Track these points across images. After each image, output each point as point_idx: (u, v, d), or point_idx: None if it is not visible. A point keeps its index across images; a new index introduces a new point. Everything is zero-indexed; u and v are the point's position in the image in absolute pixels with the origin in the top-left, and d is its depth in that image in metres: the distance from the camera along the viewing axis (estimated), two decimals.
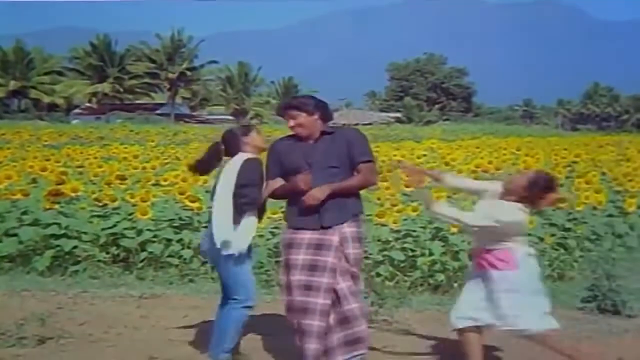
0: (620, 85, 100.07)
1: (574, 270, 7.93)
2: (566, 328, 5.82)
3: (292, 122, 4.71)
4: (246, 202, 4.64)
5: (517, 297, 4.51)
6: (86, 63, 68.98)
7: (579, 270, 7.89)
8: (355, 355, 4.58)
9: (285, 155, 4.74)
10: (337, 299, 4.56)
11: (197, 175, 5.27)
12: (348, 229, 4.65)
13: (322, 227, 4.62)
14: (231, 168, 4.71)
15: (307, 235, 4.63)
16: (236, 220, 4.64)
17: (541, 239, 7.91)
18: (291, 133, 4.79)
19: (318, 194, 4.55)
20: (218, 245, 4.62)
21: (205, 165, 4.94)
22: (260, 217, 4.85)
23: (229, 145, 4.85)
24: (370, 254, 7.14)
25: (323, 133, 4.72)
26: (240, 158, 4.74)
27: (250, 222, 4.71)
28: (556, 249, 8.03)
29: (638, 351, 5.25)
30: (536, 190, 4.52)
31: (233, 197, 4.63)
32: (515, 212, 4.53)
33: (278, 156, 4.76)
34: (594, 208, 8.90)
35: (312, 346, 4.51)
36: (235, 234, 4.63)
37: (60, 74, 70.44)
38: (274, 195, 4.81)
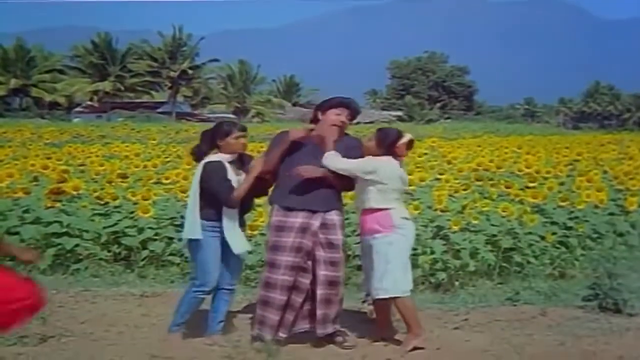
0: (621, 84, 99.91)
1: (575, 268, 7.93)
2: (567, 326, 5.84)
3: (343, 118, 5.22)
4: (211, 201, 5.08)
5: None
6: (87, 61, 68.90)
7: (580, 269, 7.90)
8: (321, 332, 5.15)
9: (296, 145, 5.18)
10: (317, 283, 5.10)
11: (194, 161, 5.47)
12: (336, 216, 5.18)
13: (310, 210, 5.09)
14: (196, 172, 5.19)
15: (298, 219, 5.09)
16: (209, 216, 5.11)
17: (542, 237, 7.91)
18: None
19: (312, 170, 5.03)
20: (184, 235, 5.25)
21: (198, 151, 5.29)
22: (247, 210, 5.33)
23: (204, 144, 5.26)
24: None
25: (349, 139, 5.34)
26: (202, 162, 5.17)
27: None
28: (557, 247, 8.03)
29: (639, 349, 5.24)
30: (388, 142, 5.21)
31: (200, 197, 5.11)
32: (381, 161, 5.16)
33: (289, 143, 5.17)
34: (596, 206, 8.89)
35: (277, 318, 5.10)
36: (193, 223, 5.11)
37: (61, 72, 70.35)
38: (268, 160, 5.21)
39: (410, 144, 5.34)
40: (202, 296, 5.27)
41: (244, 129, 5.26)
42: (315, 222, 5.09)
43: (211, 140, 5.21)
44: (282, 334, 5.13)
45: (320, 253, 5.10)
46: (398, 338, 5.36)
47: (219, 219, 5.11)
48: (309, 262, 5.11)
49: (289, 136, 5.18)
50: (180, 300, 5.36)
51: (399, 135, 5.30)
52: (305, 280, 5.11)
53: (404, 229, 5.22)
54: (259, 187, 5.23)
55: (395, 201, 5.25)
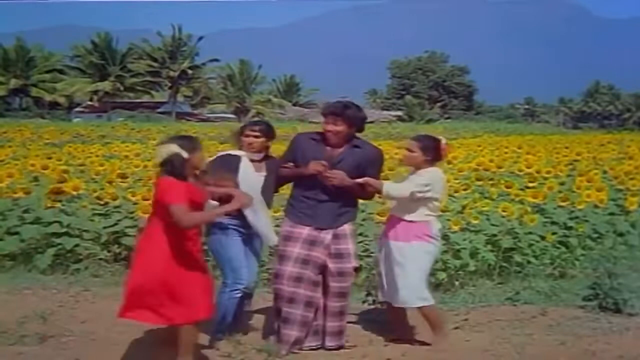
0: (621, 83, 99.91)
1: (575, 268, 7.93)
2: (567, 326, 5.84)
3: (330, 127, 5.01)
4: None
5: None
6: (87, 61, 68.90)
7: (581, 269, 7.89)
8: (332, 345, 5.11)
9: (305, 152, 5.07)
10: (325, 295, 5.06)
11: None
12: (347, 226, 5.09)
13: (318, 228, 5.00)
14: None
15: (304, 231, 5.01)
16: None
17: (542, 237, 7.91)
18: (316, 130, 5.19)
19: (342, 178, 4.90)
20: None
21: None
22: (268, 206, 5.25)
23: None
24: (372, 252, 7.13)
25: (351, 145, 5.07)
26: None
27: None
28: (558, 247, 8.02)
29: (639, 349, 5.24)
30: (435, 149, 5.16)
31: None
32: (431, 172, 5.12)
33: (299, 150, 5.12)
34: (596, 206, 8.88)
35: (293, 333, 4.98)
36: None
37: (61, 72, 70.38)
38: (281, 176, 5.19)
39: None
40: (238, 294, 5.12)
41: (257, 129, 5.21)
42: (327, 236, 5.02)
43: (237, 138, 5.30)
44: (283, 350, 5.01)
45: (330, 264, 5.04)
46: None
47: (241, 216, 5.04)
48: (320, 276, 5.05)
49: (307, 169, 5.00)
50: (217, 305, 4.98)
51: (438, 139, 5.25)
52: (317, 295, 5.04)
53: (438, 241, 5.29)
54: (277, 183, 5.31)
55: (437, 211, 5.27)
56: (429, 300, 5.14)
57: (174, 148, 4.37)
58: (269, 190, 5.23)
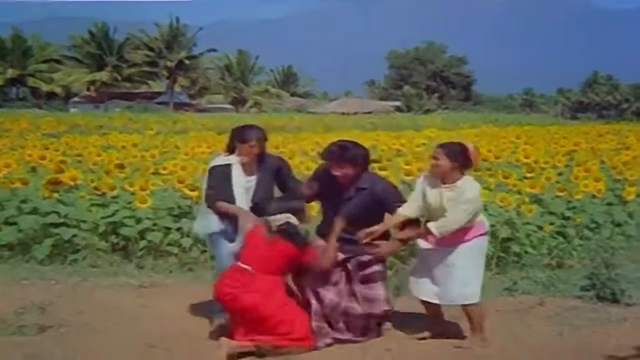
0: (620, 74, 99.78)
1: (573, 258, 7.93)
2: (565, 316, 5.85)
3: (336, 172, 5.04)
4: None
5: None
6: (84, 51, 68.76)
7: (578, 259, 7.89)
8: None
9: (323, 188, 5.17)
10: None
11: None
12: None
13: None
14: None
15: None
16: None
17: (540, 227, 7.91)
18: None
19: (386, 250, 5.12)
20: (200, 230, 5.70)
21: (227, 148, 5.52)
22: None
23: (230, 143, 5.51)
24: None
25: (357, 189, 5.08)
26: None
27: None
28: (555, 238, 8.02)
29: (636, 339, 5.25)
30: (463, 156, 4.95)
31: None
32: (471, 184, 4.97)
33: (319, 181, 5.23)
34: (593, 196, 8.88)
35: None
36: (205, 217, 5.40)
37: (58, 62, 70.23)
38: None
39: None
40: None
41: (260, 137, 5.35)
42: (350, 264, 5.15)
43: (231, 141, 5.43)
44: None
45: (357, 288, 5.16)
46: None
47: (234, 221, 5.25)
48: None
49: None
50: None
51: (465, 145, 5.06)
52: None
53: (487, 238, 5.23)
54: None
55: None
56: (478, 296, 5.08)
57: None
58: (263, 189, 5.38)
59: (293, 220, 4.87)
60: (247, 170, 5.37)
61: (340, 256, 5.11)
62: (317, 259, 5.00)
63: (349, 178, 5.06)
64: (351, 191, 5.09)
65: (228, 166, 5.36)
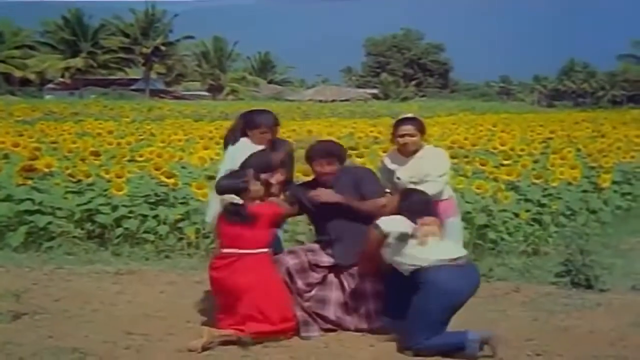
0: (596, 62, 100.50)
1: (548, 245, 8.00)
2: (540, 302, 5.91)
3: (327, 169, 5.11)
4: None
5: None
6: (58, 37, 67.84)
7: (554, 246, 7.96)
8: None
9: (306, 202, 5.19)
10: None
11: (225, 146, 5.63)
12: None
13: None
14: (229, 156, 5.37)
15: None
16: None
17: (516, 215, 7.97)
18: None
19: (327, 193, 5.05)
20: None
21: (231, 136, 5.50)
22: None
23: (237, 131, 5.46)
24: None
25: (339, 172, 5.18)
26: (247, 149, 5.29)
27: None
28: (531, 225, 8.09)
29: (610, 324, 5.32)
30: (424, 128, 5.45)
31: None
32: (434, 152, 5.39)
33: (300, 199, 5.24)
34: (569, 184, 8.95)
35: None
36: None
37: (31, 47, 69.16)
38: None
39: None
40: None
41: (272, 124, 5.35)
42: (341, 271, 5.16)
43: (243, 128, 5.34)
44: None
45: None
46: None
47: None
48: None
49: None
50: None
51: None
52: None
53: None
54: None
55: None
56: None
57: None
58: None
59: (237, 200, 4.85)
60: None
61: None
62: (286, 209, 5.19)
63: (333, 174, 5.13)
64: (336, 185, 5.12)
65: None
